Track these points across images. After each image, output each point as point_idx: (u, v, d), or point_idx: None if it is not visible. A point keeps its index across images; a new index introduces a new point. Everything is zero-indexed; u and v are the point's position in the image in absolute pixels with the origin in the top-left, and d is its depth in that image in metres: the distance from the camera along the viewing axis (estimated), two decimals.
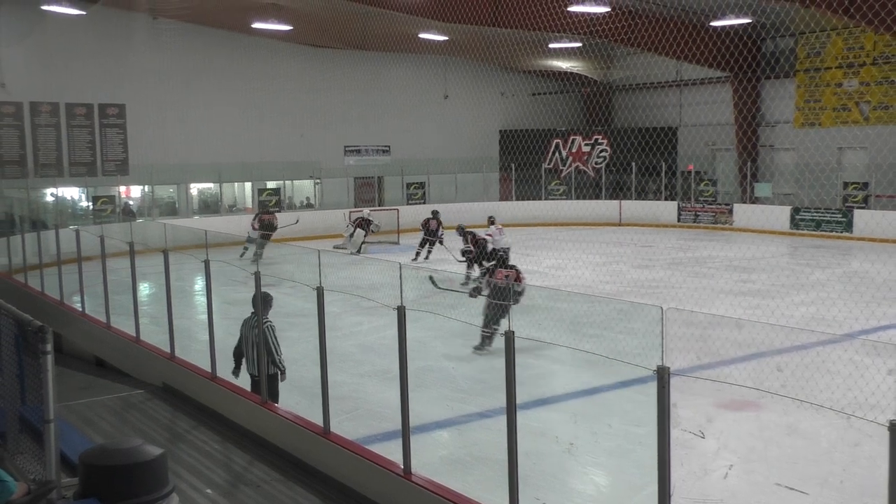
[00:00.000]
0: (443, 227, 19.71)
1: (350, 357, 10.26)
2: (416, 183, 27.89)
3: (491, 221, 17.87)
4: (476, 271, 16.03)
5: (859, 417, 3.88)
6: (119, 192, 24.22)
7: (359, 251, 20.64)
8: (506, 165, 30.06)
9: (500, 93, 30.85)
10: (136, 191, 25.64)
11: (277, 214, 21.82)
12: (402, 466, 5.98)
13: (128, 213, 23.76)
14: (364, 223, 21.49)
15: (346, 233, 21.66)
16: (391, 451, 6.20)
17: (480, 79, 30.26)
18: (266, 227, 20.50)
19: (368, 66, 27.75)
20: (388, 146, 29.64)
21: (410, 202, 27.49)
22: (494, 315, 9.22)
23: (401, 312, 5.90)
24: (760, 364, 9.15)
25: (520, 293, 10.27)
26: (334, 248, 20.61)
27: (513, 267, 11.83)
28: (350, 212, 23.14)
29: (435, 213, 20.20)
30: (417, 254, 19.72)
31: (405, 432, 5.93)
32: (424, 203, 27.07)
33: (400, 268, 5.99)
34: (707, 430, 6.76)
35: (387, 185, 29.28)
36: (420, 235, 20.12)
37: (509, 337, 5.11)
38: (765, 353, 9.54)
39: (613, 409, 8.21)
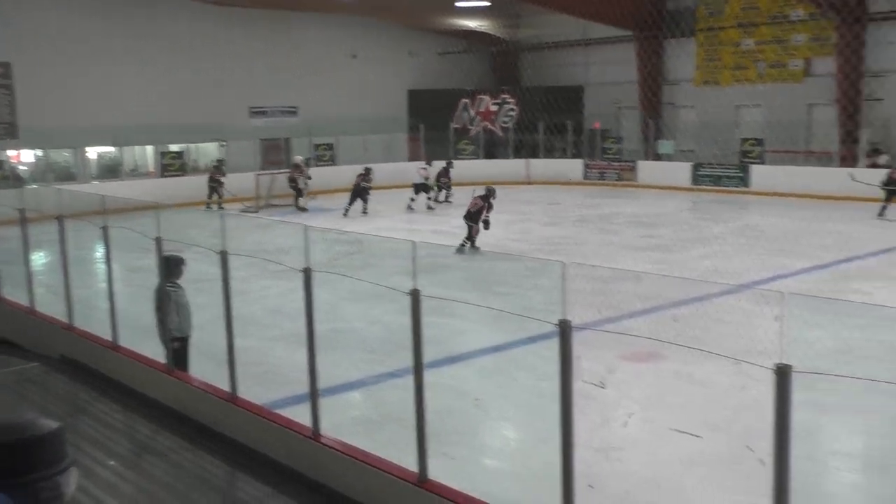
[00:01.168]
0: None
1: (259, 321, 10.12)
2: (325, 144, 27.47)
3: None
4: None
5: (747, 362, 4.04)
6: (7, 157, 23.11)
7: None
8: (414, 125, 29.86)
9: (408, 52, 30.60)
10: (28, 155, 24.52)
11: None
12: (312, 428, 5.96)
13: (16, 179, 22.73)
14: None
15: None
16: (300, 415, 6.16)
17: (389, 38, 29.92)
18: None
19: (274, 24, 27.09)
20: (296, 107, 29.07)
21: (319, 163, 27.10)
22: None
23: (307, 275, 5.84)
24: (661, 316, 9.44)
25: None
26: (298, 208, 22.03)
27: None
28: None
29: (368, 170, 21.35)
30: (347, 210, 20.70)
31: (313, 394, 5.91)
32: (333, 164, 26.76)
33: (305, 230, 5.90)
34: (608, 381, 6.96)
35: (294, 146, 28.78)
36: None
37: (415, 296, 5.11)
38: (665, 306, 9.85)
39: (522, 365, 8.34)
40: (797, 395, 3.83)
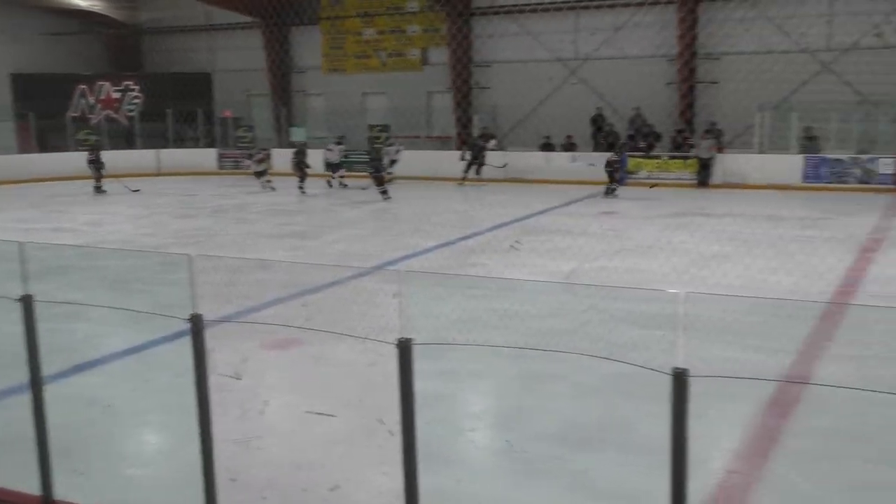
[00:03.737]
0: None
1: None
2: None
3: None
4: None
5: (372, 339, 4.31)
6: None
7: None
8: (23, 113, 26.97)
9: (8, 31, 27.60)
10: None
11: None
12: None
13: None
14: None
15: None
16: None
17: None
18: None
19: None
20: None
21: None
22: None
23: None
24: (296, 303, 9.65)
25: None
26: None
27: None
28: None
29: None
30: None
31: None
32: None
33: None
34: (244, 372, 6.97)
35: None
36: None
37: (27, 301, 4.72)
38: (301, 292, 10.09)
39: (160, 365, 8.04)
40: (428, 366, 4.16)
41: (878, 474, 5.22)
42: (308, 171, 22.27)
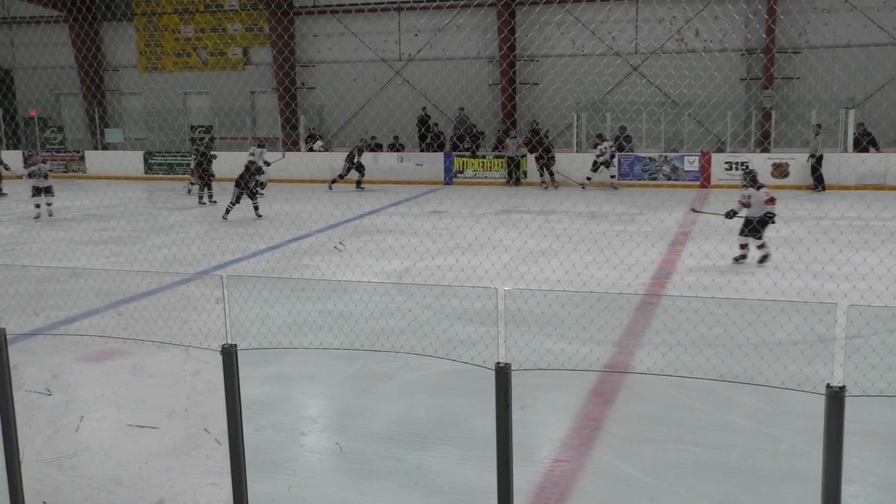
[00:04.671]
0: None
1: None
2: None
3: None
4: None
5: (194, 346, 4.14)
6: None
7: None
8: None
9: None
10: None
11: None
12: None
13: None
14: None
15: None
16: None
17: None
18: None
19: None
20: None
21: None
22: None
23: None
24: (113, 312, 9.15)
25: None
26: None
27: None
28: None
29: None
30: None
31: None
32: None
33: None
34: (55, 387, 6.53)
35: None
36: None
37: None
38: (122, 300, 9.58)
39: None
40: (259, 371, 4.04)
41: (692, 454, 5.55)
42: (213, 178, 19.68)
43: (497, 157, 22.59)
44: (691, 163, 21.13)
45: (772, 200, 11.19)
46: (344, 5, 25.04)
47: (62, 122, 27.56)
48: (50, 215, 17.27)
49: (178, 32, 26.93)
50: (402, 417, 6.36)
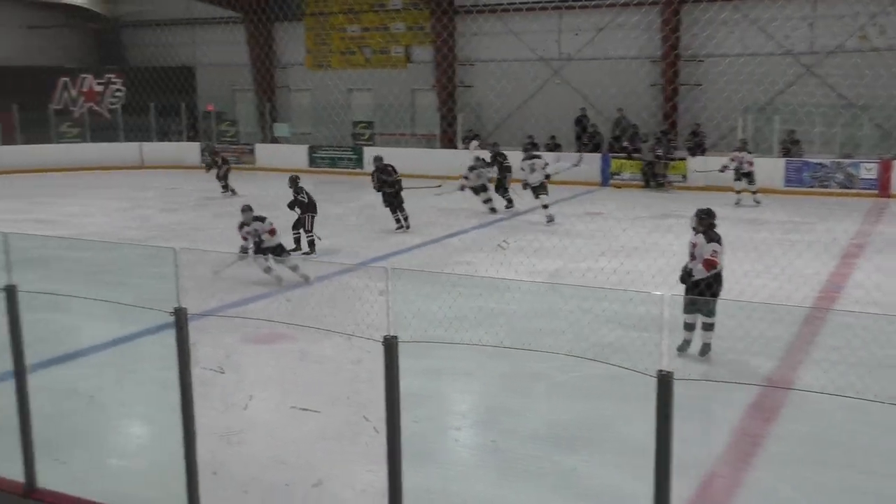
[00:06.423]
0: None
1: None
2: None
3: None
4: None
5: (358, 336, 4.29)
6: None
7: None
8: (5, 105, 26.71)
9: None
10: None
11: None
12: None
13: None
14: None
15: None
16: None
17: None
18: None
19: None
20: None
21: None
22: None
23: None
24: (279, 298, 9.62)
25: None
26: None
27: None
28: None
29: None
30: None
31: None
32: None
33: None
34: (227, 366, 6.94)
35: None
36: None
37: (11, 292, 4.68)
38: (284, 287, 10.06)
39: (143, 357, 8.01)
40: (414, 363, 4.16)
41: (858, 481, 5.26)
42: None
43: (659, 159, 22.00)
44: (868, 170, 19.82)
45: None
46: (503, 4, 25.13)
47: (236, 116, 29.10)
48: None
49: (345, 31, 27.86)
50: (554, 418, 6.36)
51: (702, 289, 7.57)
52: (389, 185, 14.87)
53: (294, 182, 13.42)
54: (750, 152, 18.69)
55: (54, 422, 5.87)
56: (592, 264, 11.21)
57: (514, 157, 17.86)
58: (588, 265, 11.24)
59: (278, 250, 10.89)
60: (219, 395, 6.39)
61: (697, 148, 22.09)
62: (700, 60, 23.14)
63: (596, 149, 23.37)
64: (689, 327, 7.73)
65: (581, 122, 24.18)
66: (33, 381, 5.01)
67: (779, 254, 11.90)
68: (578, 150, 23.22)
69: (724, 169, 18.21)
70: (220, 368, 6.76)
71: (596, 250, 12.24)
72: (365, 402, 5.66)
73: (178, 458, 4.47)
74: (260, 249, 10.72)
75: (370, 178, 15.33)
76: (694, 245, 7.84)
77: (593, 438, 5.91)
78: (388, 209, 14.99)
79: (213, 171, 20.99)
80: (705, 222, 7.87)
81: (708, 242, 7.71)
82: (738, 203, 17.89)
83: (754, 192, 18.09)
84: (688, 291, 7.68)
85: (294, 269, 10.57)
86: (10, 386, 5.04)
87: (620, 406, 6.29)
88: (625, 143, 22.78)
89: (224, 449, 5.58)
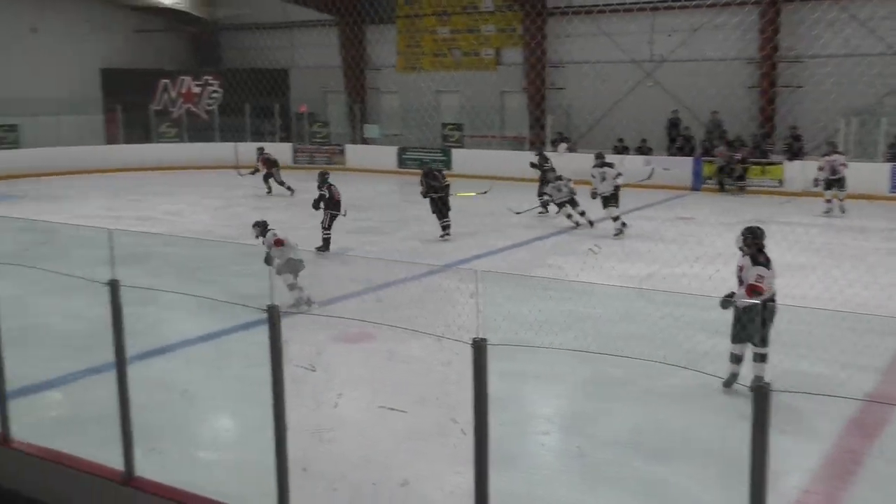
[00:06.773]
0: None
1: None
2: (6, 125, 24.90)
3: None
4: None
5: (448, 338, 4.28)
6: None
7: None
8: (111, 106, 27.88)
9: (99, 28, 28.50)
10: None
11: None
12: (1, 433, 5.52)
13: None
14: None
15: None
16: None
17: (75, 12, 27.72)
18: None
19: None
20: None
21: (1, 147, 24.61)
22: None
23: None
24: (369, 297, 9.70)
25: None
26: None
27: None
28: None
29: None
30: None
31: (0, 396, 5.48)
32: (18, 147, 24.51)
33: None
34: (318, 364, 7.04)
35: None
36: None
37: (114, 286, 4.84)
38: (373, 287, 10.15)
39: (234, 353, 8.19)
40: (501, 366, 4.12)
41: None
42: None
43: (755, 163, 21.38)
44: None
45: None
46: (598, 6, 24.82)
47: (327, 117, 29.59)
48: None
49: (436, 33, 28.01)
50: (639, 426, 6.24)
51: (752, 316, 6.76)
52: (436, 191, 14.79)
53: (322, 178, 13.72)
54: (842, 153, 17.74)
55: (149, 413, 6.05)
56: (687, 270, 10.95)
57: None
58: (683, 270, 10.98)
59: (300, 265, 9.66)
60: (310, 392, 6.49)
61: (796, 152, 21.37)
62: (801, 61, 22.38)
63: (691, 152, 22.87)
64: (737, 359, 6.93)
65: (674, 124, 23.70)
66: (132, 372, 5.17)
67: (889, 263, 11.41)
68: (670, 155, 22.79)
69: (816, 183, 17.26)
70: (312, 366, 6.87)
71: (690, 255, 11.95)
72: (453, 404, 5.66)
73: (268, 454, 4.54)
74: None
75: (419, 183, 15.10)
76: (741, 268, 7.06)
77: (678, 448, 5.77)
78: (434, 215, 14.85)
79: (260, 174, 21.47)
80: (751, 242, 7.01)
81: (753, 266, 6.88)
82: (827, 212, 16.70)
83: (842, 200, 16.94)
84: (737, 320, 6.97)
85: (291, 287, 9.34)
86: (107, 377, 5.21)
87: (706, 415, 6.12)
88: (707, 147, 22.34)
89: (314, 446, 5.66)
